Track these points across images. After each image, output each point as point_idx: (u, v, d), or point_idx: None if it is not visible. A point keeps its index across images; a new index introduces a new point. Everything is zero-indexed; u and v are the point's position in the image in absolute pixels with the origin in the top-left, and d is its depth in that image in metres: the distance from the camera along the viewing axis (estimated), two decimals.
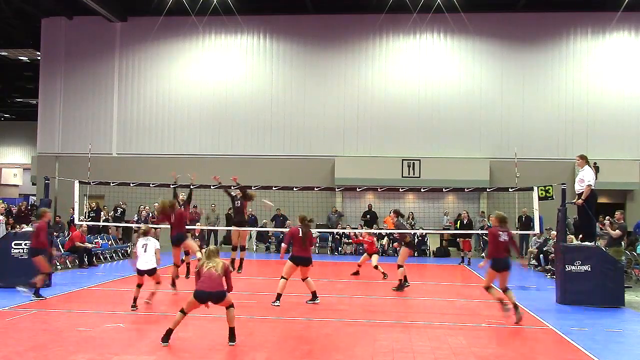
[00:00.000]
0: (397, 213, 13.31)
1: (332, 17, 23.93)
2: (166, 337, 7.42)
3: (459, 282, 14.80)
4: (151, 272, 9.94)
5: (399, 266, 12.57)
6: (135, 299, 9.87)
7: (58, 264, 15.18)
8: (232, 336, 7.55)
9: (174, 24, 23.91)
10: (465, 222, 19.68)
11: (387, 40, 23.81)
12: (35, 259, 10.85)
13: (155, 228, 14.16)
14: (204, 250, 7.92)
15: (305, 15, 23.88)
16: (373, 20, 23.25)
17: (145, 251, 9.92)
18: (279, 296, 10.28)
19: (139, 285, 9.99)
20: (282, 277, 10.39)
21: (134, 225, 19.40)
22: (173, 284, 11.53)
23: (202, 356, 7.04)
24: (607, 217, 15.33)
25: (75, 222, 15.92)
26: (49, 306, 10.00)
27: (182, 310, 7.52)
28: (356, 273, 14.82)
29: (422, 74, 23.53)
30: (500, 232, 9.40)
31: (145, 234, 10.18)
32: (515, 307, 9.31)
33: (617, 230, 13.22)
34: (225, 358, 7.09)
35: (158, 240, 10.58)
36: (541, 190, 12.92)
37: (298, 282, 11.77)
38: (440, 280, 15.30)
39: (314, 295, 10.47)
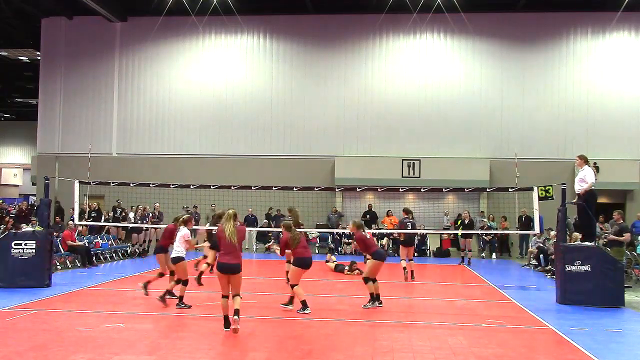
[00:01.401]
0: (406, 211, 14.43)
1: (332, 17, 23.92)
2: (227, 323, 8.06)
3: (459, 282, 14.78)
4: (174, 261, 10.16)
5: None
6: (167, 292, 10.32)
7: (58, 263, 15.17)
8: (235, 313, 7.93)
9: (174, 24, 23.91)
10: (466, 222, 19.67)
11: (387, 40, 23.80)
12: (158, 256, 11.09)
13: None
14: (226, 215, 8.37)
15: (305, 15, 23.87)
16: (373, 20, 23.24)
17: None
18: (304, 303, 9.62)
19: (160, 275, 10.64)
20: (295, 285, 9.73)
21: (128, 225, 19.35)
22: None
23: (202, 356, 7.03)
24: (602, 229, 15.09)
25: (75, 222, 15.86)
26: (49, 306, 10.00)
27: (223, 296, 8.10)
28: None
29: (422, 74, 23.51)
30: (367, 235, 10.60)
31: (184, 223, 10.46)
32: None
33: (626, 234, 13.04)
34: (225, 358, 7.09)
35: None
36: (541, 190, 12.91)
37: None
38: (440, 280, 15.30)
39: (291, 301, 9.98)
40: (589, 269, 11.04)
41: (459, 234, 18.58)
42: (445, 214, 22.46)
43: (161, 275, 11.00)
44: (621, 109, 22.70)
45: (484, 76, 23.34)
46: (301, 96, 23.87)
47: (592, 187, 11.60)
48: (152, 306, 10.06)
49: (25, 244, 11.95)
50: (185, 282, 10.11)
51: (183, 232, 10.27)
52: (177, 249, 10.16)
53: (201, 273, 12.75)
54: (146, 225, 18.94)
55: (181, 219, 10.64)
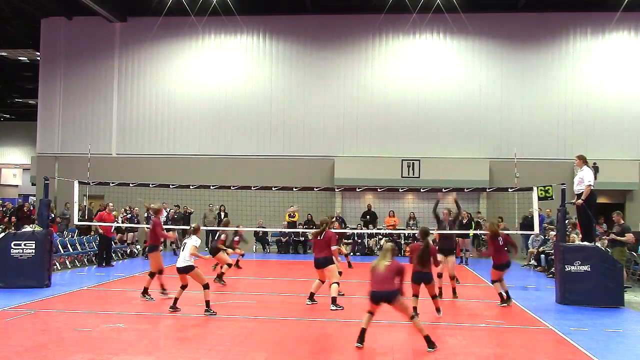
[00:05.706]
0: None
1: (332, 17, 23.92)
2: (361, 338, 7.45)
3: (458, 282, 14.75)
4: (185, 270, 9.63)
5: None
6: (175, 300, 9.77)
7: (58, 264, 15.17)
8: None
9: (174, 24, 23.90)
10: (465, 222, 19.66)
11: (386, 41, 23.79)
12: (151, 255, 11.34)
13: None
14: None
15: (305, 15, 23.86)
16: (373, 20, 23.24)
17: (182, 250, 9.86)
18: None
19: (182, 287, 9.80)
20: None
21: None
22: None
23: (201, 356, 7.03)
24: (605, 236, 14.86)
25: (75, 222, 15.84)
26: (49, 306, 10.00)
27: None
28: None
29: (422, 74, 23.50)
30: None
31: (194, 232, 10.01)
32: None
33: (628, 234, 12.94)
34: (225, 358, 7.08)
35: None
36: (541, 190, 12.90)
37: (296, 282, 11.80)
38: (440, 280, 15.25)
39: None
40: (589, 269, 11.04)
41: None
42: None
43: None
44: (621, 109, 22.69)
45: (484, 76, 23.34)
46: (301, 96, 23.86)
47: (591, 188, 11.58)
48: (152, 306, 10.06)
49: (25, 244, 11.95)
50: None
51: (195, 241, 9.84)
52: (186, 258, 9.72)
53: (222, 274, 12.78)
54: (139, 226, 19.05)
55: (190, 229, 10.38)
